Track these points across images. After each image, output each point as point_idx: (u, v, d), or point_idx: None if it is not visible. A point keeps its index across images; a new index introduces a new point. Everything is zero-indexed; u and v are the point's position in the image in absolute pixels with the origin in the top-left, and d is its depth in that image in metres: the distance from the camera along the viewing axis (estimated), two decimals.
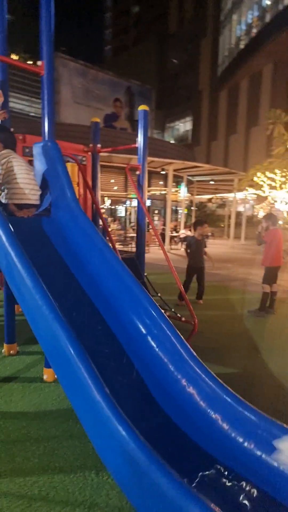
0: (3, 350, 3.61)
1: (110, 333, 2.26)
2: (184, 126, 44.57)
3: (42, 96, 2.82)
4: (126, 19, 52.98)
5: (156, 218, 21.60)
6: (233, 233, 17.90)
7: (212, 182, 19.78)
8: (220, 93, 36.95)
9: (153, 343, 2.16)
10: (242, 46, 34.14)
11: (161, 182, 20.92)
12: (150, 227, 18.40)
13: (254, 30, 32.13)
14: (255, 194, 19.08)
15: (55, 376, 3.12)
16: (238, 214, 22.87)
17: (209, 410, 1.80)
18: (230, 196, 24.80)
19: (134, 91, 25.83)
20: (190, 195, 22.97)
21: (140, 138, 3.57)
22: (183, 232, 16.58)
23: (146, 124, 3.56)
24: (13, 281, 2.04)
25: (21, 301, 2.04)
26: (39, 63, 2.78)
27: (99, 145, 3.92)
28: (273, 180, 15.29)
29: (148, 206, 22.50)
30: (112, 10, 54.35)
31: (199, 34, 40.76)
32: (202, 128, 40.38)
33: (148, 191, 21.81)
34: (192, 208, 23.86)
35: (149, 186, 21.41)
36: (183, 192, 19.40)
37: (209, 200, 31.45)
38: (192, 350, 2.12)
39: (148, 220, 3.72)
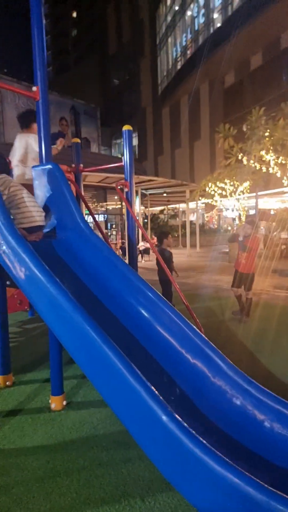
0: None
1: (145, 351, 2.27)
2: None
3: (37, 121, 2.79)
4: (66, 41, 53.75)
5: (114, 232, 21.66)
6: (189, 241, 18.50)
7: (165, 194, 20.39)
8: (163, 110, 38.48)
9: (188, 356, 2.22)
10: (179, 66, 36.17)
11: (116, 197, 21.11)
12: (111, 239, 18.10)
13: (189, 52, 34.29)
14: (205, 203, 19.99)
15: (64, 404, 3.00)
16: (190, 223, 23.68)
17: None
18: (181, 206, 25.73)
19: (79, 110, 26.01)
20: (144, 207, 23.43)
21: (125, 156, 3.64)
22: (142, 245, 16.78)
23: (131, 143, 3.65)
24: (48, 307, 1.98)
25: (59, 328, 1.98)
26: (34, 88, 2.75)
27: (81, 165, 3.94)
28: (223, 189, 16.20)
29: (104, 220, 22.55)
30: (51, 33, 54.68)
31: (137, 55, 42.46)
32: (148, 143, 41.58)
33: (102, 206, 21.91)
34: (146, 220, 24.30)
35: (105, 201, 21.49)
36: (138, 205, 19.75)
37: (161, 211, 32.31)
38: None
39: (145, 236, 3.78)
